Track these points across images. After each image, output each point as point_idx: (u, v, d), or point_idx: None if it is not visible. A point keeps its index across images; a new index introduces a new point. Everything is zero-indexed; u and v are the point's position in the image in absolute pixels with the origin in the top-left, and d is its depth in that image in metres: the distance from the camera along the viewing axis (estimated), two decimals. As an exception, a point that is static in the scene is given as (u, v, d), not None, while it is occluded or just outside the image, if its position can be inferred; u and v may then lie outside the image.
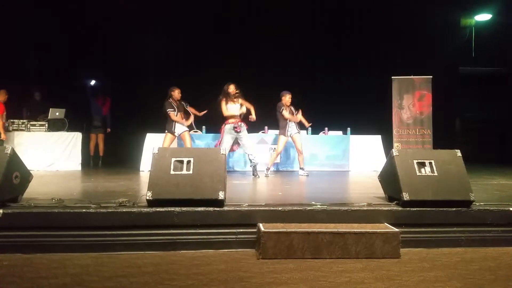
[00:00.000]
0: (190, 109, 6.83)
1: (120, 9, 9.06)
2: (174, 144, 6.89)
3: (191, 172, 3.57)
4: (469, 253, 3.37)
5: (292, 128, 6.68)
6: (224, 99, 6.38)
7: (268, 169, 6.79)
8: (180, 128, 6.63)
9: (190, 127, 6.92)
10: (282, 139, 6.72)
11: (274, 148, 7.16)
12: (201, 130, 7.89)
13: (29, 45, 9.62)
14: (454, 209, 3.61)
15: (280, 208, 3.52)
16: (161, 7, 9.38)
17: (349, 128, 7.98)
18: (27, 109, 8.19)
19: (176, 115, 6.56)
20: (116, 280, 2.68)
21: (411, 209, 3.59)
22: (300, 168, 6.85)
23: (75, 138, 7.48)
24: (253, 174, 6.38)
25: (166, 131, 6.63)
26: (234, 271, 2.88)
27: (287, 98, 6.61)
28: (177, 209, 3.39)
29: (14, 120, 7.36)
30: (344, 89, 9.69)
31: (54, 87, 8.82)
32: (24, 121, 7.37)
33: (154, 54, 9.87)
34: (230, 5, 9.63)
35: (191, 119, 6.85)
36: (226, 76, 9.66)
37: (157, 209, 3.40)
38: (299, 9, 9.61)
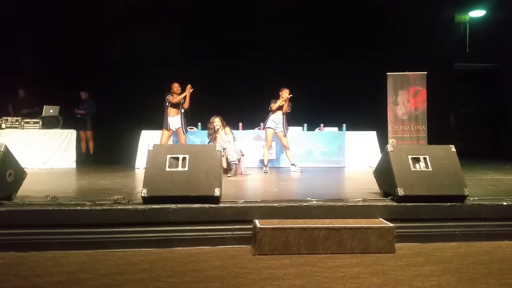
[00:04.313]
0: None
1: (115, 4, 9.02)
2: (171, 142, 6.87)
3: (186, 168, 3.56)
4: (463, 248, 3.39)
5: (270, 123, 6.63)
6: (213, 137, 6.50)
7: (266, 165, 6.80)
8: (173, 123, 6.58)
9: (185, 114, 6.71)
10: (267, 132, 6.72)
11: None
12: (197, 127, 7.89)
13: (22, 40, 9.55)
14: (449, 204, 3.63)
15: (276, 204, 3.53)
16: (158, 3, 9.34)
17: (344, 124, 8.00)
18: (12, 105, 8.14)
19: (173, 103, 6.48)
20: (111, 277, 2.67)
21: (406, 204, 3.61)
22: (292, 165, 6.81)
23: (69, 136, 7.44)
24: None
25: (163, 128, 6.62)
26: (230, 267, 2.88)
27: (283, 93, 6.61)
28: (173, 206, 3.39)
29: (8, 118, 7.32)
30: (339, 86, 9.70)
31: (46, 83, 8.78)
32: (18, 118, 7.33)
33: (149, 51, 9.82)
34: (228, 3, 9.58)
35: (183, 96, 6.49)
36: (224, 73, 9.69)
37: (153, 206, 3.39)
38: (295, 5, 9.60)
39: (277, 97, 6.62)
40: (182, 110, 6.55)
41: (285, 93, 6.55)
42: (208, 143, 6.52)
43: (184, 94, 6.43)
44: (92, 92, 8.77)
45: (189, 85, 6.43)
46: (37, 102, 7.99)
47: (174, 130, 6.60)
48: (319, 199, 3.67)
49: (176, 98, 6.42)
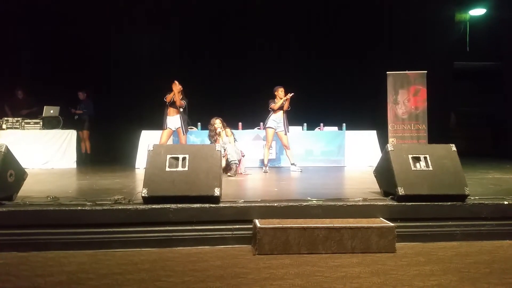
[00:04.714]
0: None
1: (115, 4, 9.02)
2: (171, 142, 6.86)
3: (186, 168, 3.56)
4: (464, 247, 3.39)
5: (271, 122, 6.61)
6: (214, 138, 6.49)
7: (266, 165, 6.80)
8: (172, 123, 6.55)
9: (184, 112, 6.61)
10: (268, 132, 6.71)
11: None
12: (196, 127, 7.88)
13: (21, 40, 9.55)
14: (449, 203, 3.62)
15: (276, 204, 3.53)
16: (158, 3, 9.34)
17: (344, 124, 7.99)
18: (10, 106, 8.14)
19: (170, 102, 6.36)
20: (112, 277, 2.67)
21: (406, 203, 3.61)
22: (292, 164, 6.80)
23: (69, 136, 7.44)
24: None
25: (162, 127, 6.60)
26: (230, 267, 2.88)
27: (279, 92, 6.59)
28: (173, 206, 3.39)
29: (8, 118, 7.32)
30: (339, 85, 9.70)
31: (45, 83, 8.78)
32: (18, 119, 7.33)
33: (149, 51, 9.82)
34: (228, 3, 9.58)
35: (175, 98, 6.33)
36: (224, 73, 9.69)
37: (153, 206, 3.39)
38: (295, 5, 9.60)
39: (275, 97, 6.62)
40: (181, 110, 6.53)
41: (280, 92, 6.55)
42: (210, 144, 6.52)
43: (173, 92, 6.31)
44: (92, 92, 8.77)
45: (176, 82, 6.29)
46: (35, 102, 7.99)
47: (173, 129, 6.58)
48: (319, 199, 3.67)
49: (168, 97, 6.37)
